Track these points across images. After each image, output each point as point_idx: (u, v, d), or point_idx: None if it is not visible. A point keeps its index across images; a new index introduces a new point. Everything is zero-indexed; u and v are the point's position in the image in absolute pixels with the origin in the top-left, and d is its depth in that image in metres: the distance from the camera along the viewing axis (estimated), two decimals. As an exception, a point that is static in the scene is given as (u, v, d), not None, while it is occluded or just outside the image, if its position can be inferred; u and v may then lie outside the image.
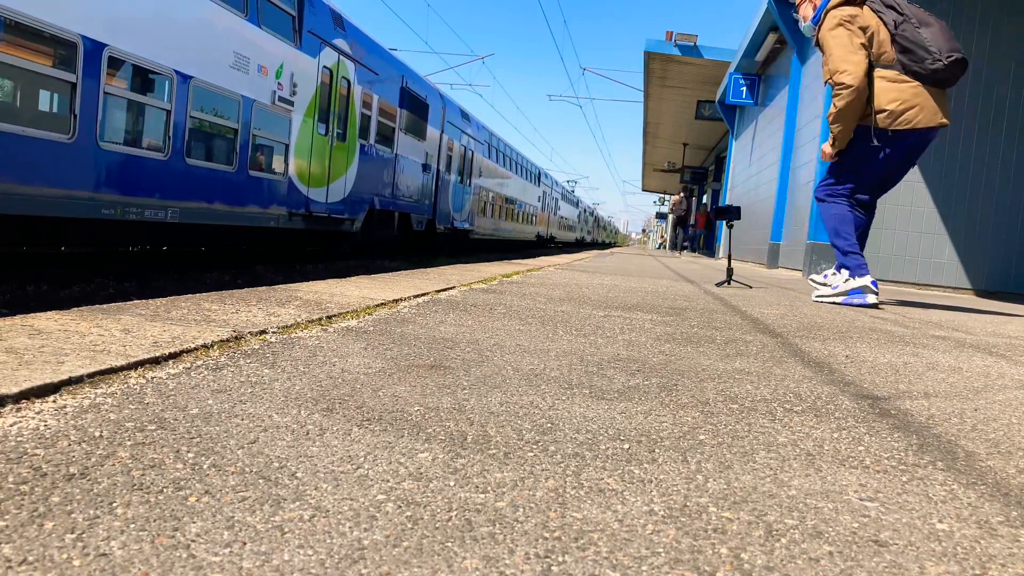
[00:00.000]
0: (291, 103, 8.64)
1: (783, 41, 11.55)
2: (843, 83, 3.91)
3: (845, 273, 4.18)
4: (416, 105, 12.84)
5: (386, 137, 11.67)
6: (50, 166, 5.43)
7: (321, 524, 0.75)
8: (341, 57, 9.79)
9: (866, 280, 4.09)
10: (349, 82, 10.12)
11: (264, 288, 2.83)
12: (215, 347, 1.59)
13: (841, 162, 4.19)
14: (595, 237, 63.17)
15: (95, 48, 5.72)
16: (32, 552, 0.65)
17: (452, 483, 0.90)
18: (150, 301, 2.15)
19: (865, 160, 4.09)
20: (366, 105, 10.80)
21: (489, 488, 0.89)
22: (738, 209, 5.52)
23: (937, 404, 1.56)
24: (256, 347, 1.64)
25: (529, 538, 0.75)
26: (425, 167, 13.71)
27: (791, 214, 10.02)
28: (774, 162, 11.46)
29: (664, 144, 28.25)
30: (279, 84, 8.32)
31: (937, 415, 1.45)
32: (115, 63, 6.00)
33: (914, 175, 7.87)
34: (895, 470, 1.07)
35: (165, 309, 2.02)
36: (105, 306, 1.97)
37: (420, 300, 2.87)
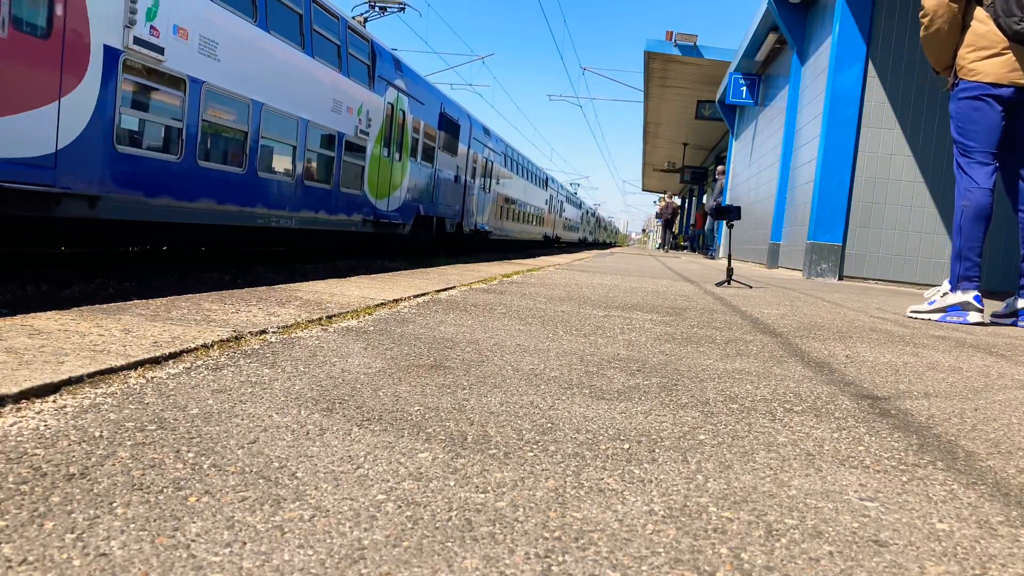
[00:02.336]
0: (367, 133, 11.10)
1: (783, 41, 11.55)
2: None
3: (946, 285, 3.65)
4: (450, 126, 15.50)
5: (428, 155, 14.22)
6: (231, 190, 7.77)
7: (321, 524, 0.75)
8: (399, 93, 12.37)
9: (968, 296, 3.53)
10: (404, 112, 12.64)
11: (264, 288, 2.83)
12: (215, 347, 1.59)
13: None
14: (596, 237, 66.55)
15: (256, 106, 8.09)
16: (32, 552, 0.65)
17: (452, 483, 0.90)
18: (150, 301, 2.15)
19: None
20: (415, 130, 13.31)
21: (489, 488, 0.89)
22: (738, 209, 5.52)
23: (937, 404, 1.56)
24: (256, 347, 1.64)
25: (529, 538, 0.75)
26: (456, 178, 16.26)
27: (791, 214, 10.02)
28: (774, 162, 11.46)
29: (664, 144, 28.24)
30: (359, 119, 10.83)
31: (937, 415, 1.45)
32: (268, 117, 8.35)
33: (914, 175, 7.87)
34: (895, 470, 1.07)
35: (165, 309, 2.02)
36: (105, 306, 1.97)
37: (420, 300, 2.87)
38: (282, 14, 8.50)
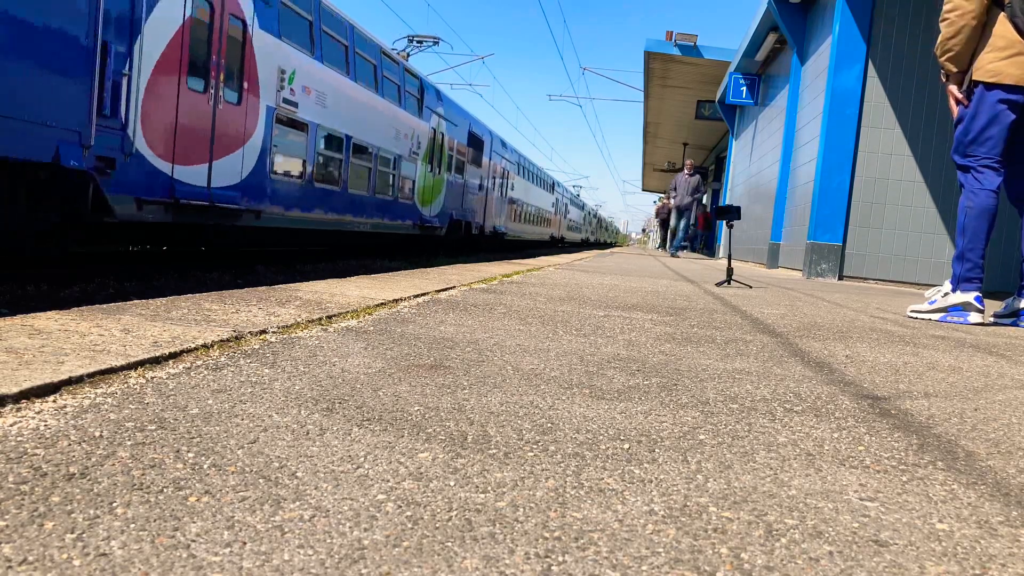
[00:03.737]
0: (417, 154, 13.72)
1: (783, 41, 11.55)
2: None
3: (947, 285, 3.66)
4: (476, 142, 18.20)
5: (460, 168, 16.83)
6: (332, 203, 10.27)
7: (321, 524, 0.75)
8: (439, 119, 15.04)
9: (969, 296, 3.54)
10: (443, 135, 15.28)
11: (264, 288, 2.83)
12: (215, 347, 1.59)
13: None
14: (598, 237, 69.96)
15: (348, 139, 10.59)
16: (32, 552, 0.65)
17: (452, 483, 0.90)
18: (150, 301, 2.15)
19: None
20: (450, 148, 15.91)
21: (489, 488, 0.89)
22: (738, 209, 5.52)
23: (937, 404, 1.56)
24: (256, 347, 1.64)
25: (529, 538, 0.75)
26: (480, 186, 18.79)
27: (791, 214, 10.02)
28: (774, 162, 11.47)
29: (664, 144, 28.23)
30: (412, 143, 13.38)
31: (937, 415, 1.45)
32: (354, 147, 10.85)
33: (914, 175, 7.87)
34: (895, 470, 1.07)
35: (165, 309, 2.02)
36: (105, 306, 1.97)
37: (420, 300, 2.87)
38: (363, 65, 11.10)
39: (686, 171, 14.82)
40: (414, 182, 13.65)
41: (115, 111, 5.80)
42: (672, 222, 14.96)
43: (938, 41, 3.61)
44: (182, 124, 6.72)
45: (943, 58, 3.61)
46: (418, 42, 17.12)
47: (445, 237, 16.33)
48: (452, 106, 16.00)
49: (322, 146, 9.79)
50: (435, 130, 14.71)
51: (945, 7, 3.55)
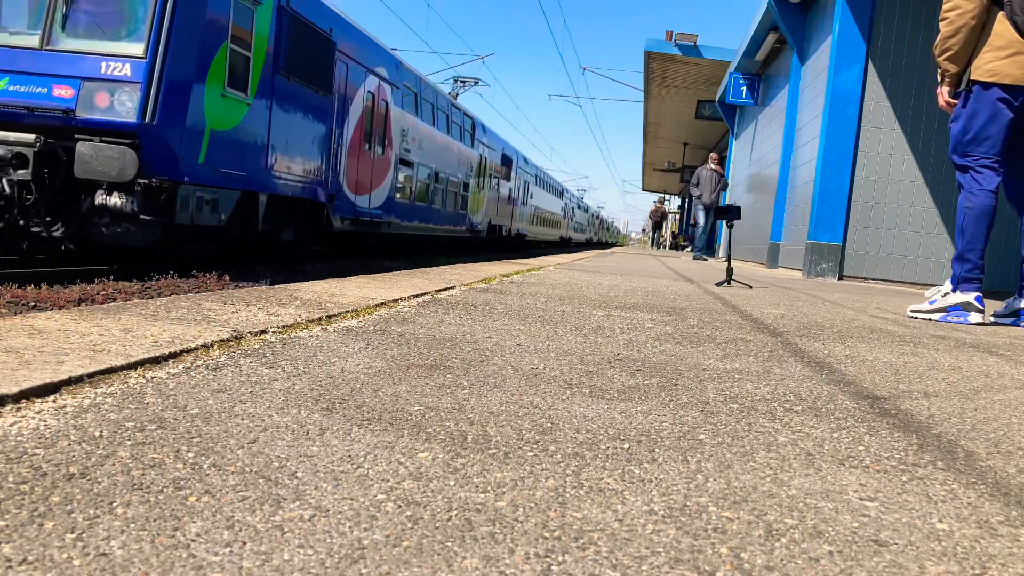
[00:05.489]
0: (470, 176, 18.01)
1: (783, 41, 11.54)
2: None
3: (947, 285, 3.64)
4: (507, 161, 22.84)
5: (495, 184, 21.25)
6: (423, 216, 14.09)
7: (321, 524, 0.75)
8: (484, 147, 19.51)
9: (969, 296, 3.52)
10: (486, 159, 19.79)
11: (264, 288, 2.83)
12: (215, 347, 1.59)
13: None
14: (601, 237, 76.45)
15: (433, 170, 14.59)
16: (32, 552, 0.65)
17: (452, 483, 0.90)
18: (150, 301, 2.15)
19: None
20: (490, 169, 20.32)
21: (489, 488, 0.89)
22: (738, 209, 5.52)
23: (937, 404, 1.56)
24: (256, 347, 1.64)
25: (529, 538, 0.75)
26: (509, 198, 23.49)
27: (791, 214, 10.02)
28: (774, 162, 11.46)
29: (664, 144, 28.24)
30: (467, 168, 17.70)
31: (937, 415, 1.45)
32: (436, 175, 14.94)
33: (914, 175, 7.87)
34: (895, 470, 1.07)
35: (165, 309, 2.02)
36: (105, 306, 1.97)
37: (420, 300, 2.87)
38: (441, 116, 15.27)
39: (711, 164, 13.48)
40: (467, 198, 17.96)
41: (335, 169, 9.92)
42: (700, 221, 13.73)
43: (937, 40, 3.59)
44: (360, 171, 10.88)
45: (942, 57, 3.59)
46: (462, 82, 21.74)
47: (485, 239, 21.14)
48: (492, 135, 20.87)
49: (421, 177, 13.99)
50: (481, 156, 19.31)
51: (945, 6, 3.53)
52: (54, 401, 1.11)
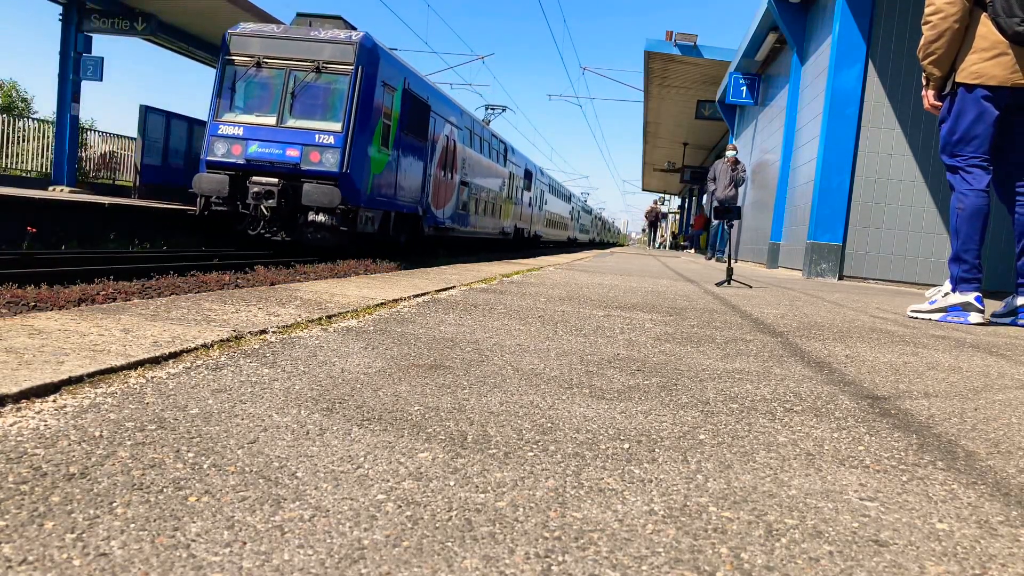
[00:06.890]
0: (503, 189, 21.95)
1: (783, 41, 11.54)
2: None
3: (947, 285, 3.67)
4: (528, 175, 26.52)
5: (520, 195, 25.16)
6: (470, 222, 18.02)
7: (321, 524, 0.75)
8: (513, 164, 23.40)
9: (969, 296, 3.53)
10: (514, 175, 23.73)
11: (264, 288, 2.83)
12: (215, 347, 1.59)
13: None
14: (602, 238, 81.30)
15: (478, 186, 18.60)
16: (32, 552, 0.65)
17: (452, 483, 0.90)
18: (150, 301, 2.15)
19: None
20: (516, 182, 24.30)
21: (489, 488, 0.89)
22: (738, 209, 5.52)
23: (937, 404, 1.56)
24: (256, 347, 1.64)
25: (529, 538, 0.75)
26: (529, 205, 27.20)
27: (791, 214, 10.02)
28: (774, 162, 11.46)
29: (664, 144, 28.25)
30: (501, 183, 21.55)
31: (937, 415, 1.45)
32: (480, 190, 18.88)
33: (914, 175, 7.87)
34: (895, 470, 1.07)
35: (165, 309, 2.02)
36: (105, 306, 1.97)
37: (420, 300, 2.87)
38: (485, 145, 19.01)
39: (728, 158, 12.96)
40: (500, 207, 21.92)
41: (425, 190, 13.74)
42: (714, 219, 13.74)
43: (920, 44, 3.58)
44: (439, 192, 14.68)
45: (926, 61, 3.58)
46: (491, 109, 25.86)
47: (512, 240, 25.23)
48: (518, 154, 24.84)
49: (472, 193, 17.70)
50: (511, 172, 23.30)
51: (926, 10, 3.52)
52: (54, 401, 1.11)
